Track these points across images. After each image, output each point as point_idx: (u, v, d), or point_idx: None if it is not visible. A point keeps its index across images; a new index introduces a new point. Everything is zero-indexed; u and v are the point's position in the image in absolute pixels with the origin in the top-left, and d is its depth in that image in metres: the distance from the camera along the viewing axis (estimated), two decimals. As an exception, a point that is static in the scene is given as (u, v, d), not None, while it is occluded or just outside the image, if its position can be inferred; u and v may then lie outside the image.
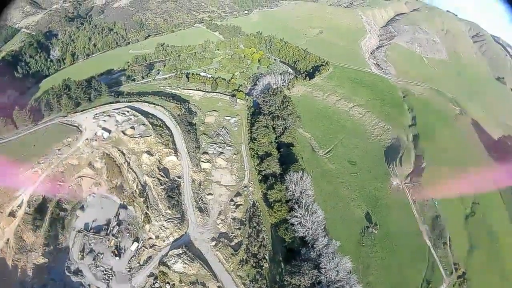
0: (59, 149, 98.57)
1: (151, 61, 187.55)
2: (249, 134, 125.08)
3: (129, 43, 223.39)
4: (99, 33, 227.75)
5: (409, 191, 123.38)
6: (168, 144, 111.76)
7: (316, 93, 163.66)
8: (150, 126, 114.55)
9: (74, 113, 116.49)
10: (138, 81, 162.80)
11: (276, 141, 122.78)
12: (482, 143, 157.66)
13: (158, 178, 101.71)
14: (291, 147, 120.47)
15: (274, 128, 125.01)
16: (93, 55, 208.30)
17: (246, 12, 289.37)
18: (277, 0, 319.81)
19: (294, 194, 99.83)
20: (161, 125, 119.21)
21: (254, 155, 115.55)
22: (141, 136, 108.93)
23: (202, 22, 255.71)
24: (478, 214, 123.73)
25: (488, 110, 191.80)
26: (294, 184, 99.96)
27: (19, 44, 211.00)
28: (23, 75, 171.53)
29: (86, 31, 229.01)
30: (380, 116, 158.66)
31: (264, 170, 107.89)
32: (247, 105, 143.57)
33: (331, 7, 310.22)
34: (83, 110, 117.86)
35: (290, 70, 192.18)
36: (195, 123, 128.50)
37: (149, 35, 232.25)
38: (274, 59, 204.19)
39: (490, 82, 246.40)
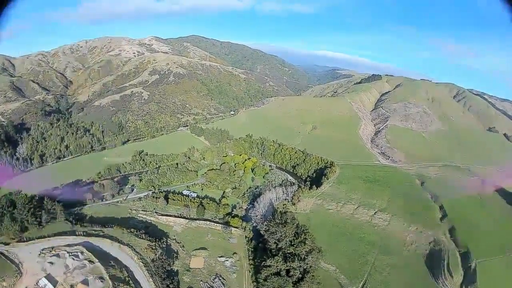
0: (-14, 297, 74.39)
1: (126, 172, 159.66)
2: (255, 284, 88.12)
3: (104, 148, 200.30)
4: (73, 133, 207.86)
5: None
6: (135, 314, 76.88)
7: (328, 204, 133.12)
8: (110, 282, 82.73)
9: (18, 241, 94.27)
10: (106, 200, 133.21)
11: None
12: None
13: None
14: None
15: (288, 272, 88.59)
16: (64, 159, 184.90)
17: (233, 113, 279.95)
18: (263, 98, 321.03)
19: None
20: (127, 279, 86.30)
21: (265, 322, 77.77)
22: (94, 300, 75.26)
23: (186, 126, 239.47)
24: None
25: (498, 166, 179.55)
26: None
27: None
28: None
29: (59, 130, 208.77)
30: (407, 217, 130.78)
31: None
32: (245, 237, 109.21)
33: (318, 99, 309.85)
34: (29, 240, 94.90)
35: (290, 177, 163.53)
36: (177, 270, 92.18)
37: (128, 140, 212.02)
38: (270, 166, 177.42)
39: (487, 137, 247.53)
